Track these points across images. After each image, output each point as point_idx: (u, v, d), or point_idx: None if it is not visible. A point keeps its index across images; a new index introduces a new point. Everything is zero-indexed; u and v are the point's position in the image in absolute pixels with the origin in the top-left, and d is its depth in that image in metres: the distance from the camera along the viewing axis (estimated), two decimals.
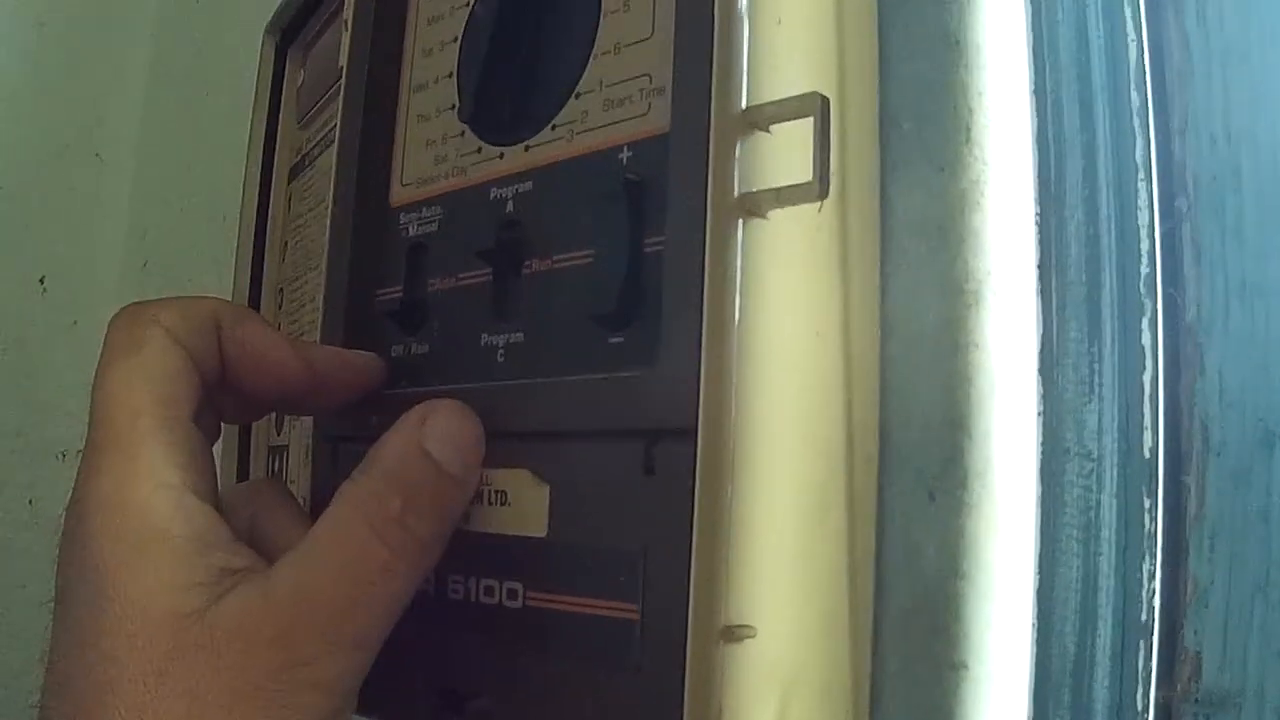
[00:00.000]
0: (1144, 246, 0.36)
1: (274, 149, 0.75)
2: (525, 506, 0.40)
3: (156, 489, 0.38)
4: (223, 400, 0.44)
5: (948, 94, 0.35)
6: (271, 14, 0.76)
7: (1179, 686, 0.36)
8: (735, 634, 0.33)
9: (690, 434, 0.34)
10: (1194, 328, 0.38)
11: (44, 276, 1.12)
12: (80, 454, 0.40)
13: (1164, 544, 0.36)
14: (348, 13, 0.55)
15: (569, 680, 0.38)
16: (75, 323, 1.11)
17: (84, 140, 1.16)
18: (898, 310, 0.35)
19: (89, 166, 1.16)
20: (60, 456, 1.04)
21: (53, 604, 0.39)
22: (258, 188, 0.75)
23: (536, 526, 0.40)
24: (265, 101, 0.76)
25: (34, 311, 1.11)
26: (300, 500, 0.51)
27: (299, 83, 0.74)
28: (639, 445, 0.36)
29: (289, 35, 0.75)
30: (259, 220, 0.75)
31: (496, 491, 0.41)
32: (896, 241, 0.36)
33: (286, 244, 0.72)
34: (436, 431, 0.40)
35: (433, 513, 0.40)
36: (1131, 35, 0.38)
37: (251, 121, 0.77)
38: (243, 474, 0.71)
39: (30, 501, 1.05)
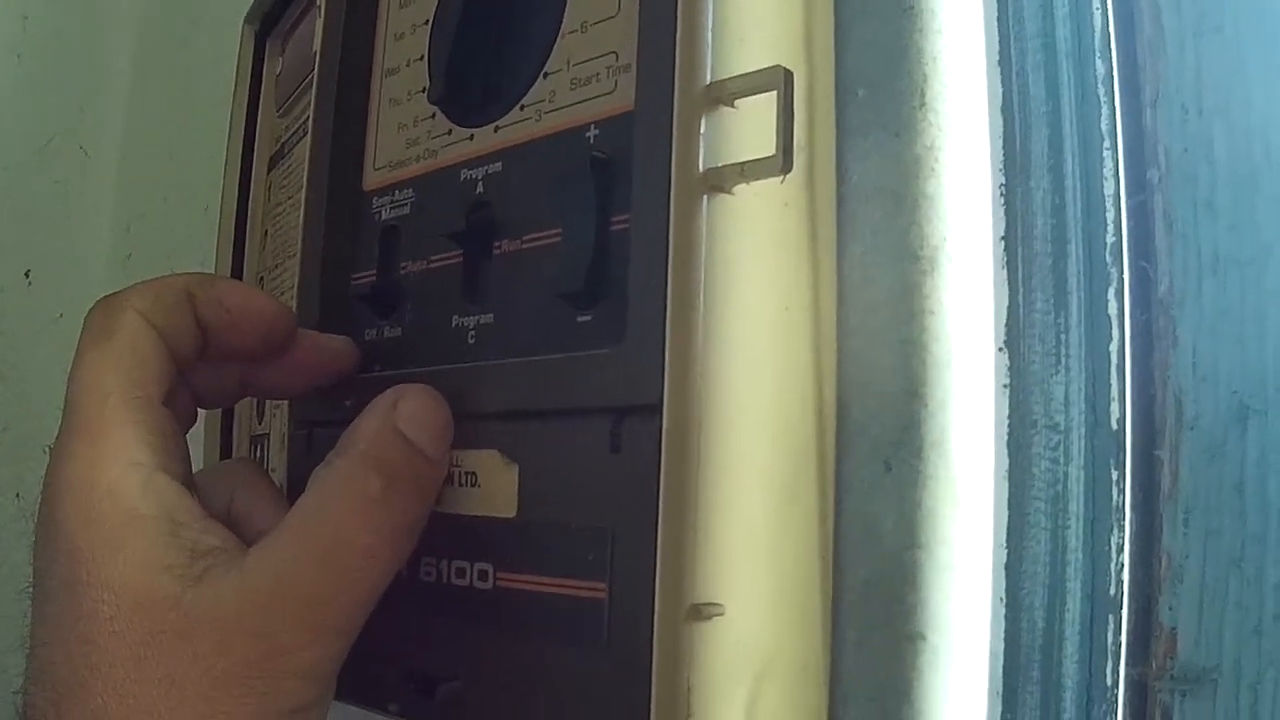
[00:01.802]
0: (1110, 216, 0.36)
1: (254, 138, 0.75)
2: (495, 487, 0.40)
3: (125, 468, 0.38)
4: (201, 379, 0.44)
5: (902, 59, 0.35)
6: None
7: (1155, 664, 0.36)
8: (703, 612, 0.32)
9: (656, 410, 0.34)
10: (1166, 301, 0.37)
11: (29, 270, 1.12)
12: None
13: (1138, 519, 0.36)
14: None
15: (540, 660, 0.38)
16: (61, 316, 1.11)
17: (68, 134, 1.16)
18: (853, 277, 0.35)
19: (73, 160, 1.16)
20: (46, 449, 1.03)
21: (31, 590, 0.39)
22: (238, 177, 0.75)
23: (506, 507, 0.40)
24: (245, 91, 0.76)
25: (19, 305, 1.12)
26: (280, 486, 0.51)
27: (278, 71, 0.74)
28: (606, 423, 0.36)
29: (268, 24, 0.75)
30: (239, 209, 0.75)
31: (466, 473, 0.41)
32: (852, 208, 0.36)
33: (267, 232, 0.72)
34: (409, 414, 0.40)
35: (412, 493, 0.40)
36: (1097, 3, 0.38)
37: (231, 111, 0.77)
38: None
39: (18, 495, 1.05)
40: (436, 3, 0.48)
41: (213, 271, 0.76)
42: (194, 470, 0.42)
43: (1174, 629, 0.36)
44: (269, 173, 0.73)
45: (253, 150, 0.75)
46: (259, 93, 0.76)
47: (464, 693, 0.41)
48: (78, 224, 1.16)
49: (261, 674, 0.37)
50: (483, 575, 0.40)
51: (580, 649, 0.36)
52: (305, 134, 0.60)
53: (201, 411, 0.47)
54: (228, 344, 0.43)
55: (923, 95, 0.34)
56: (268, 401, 0.65)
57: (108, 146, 1.18)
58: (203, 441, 0.72)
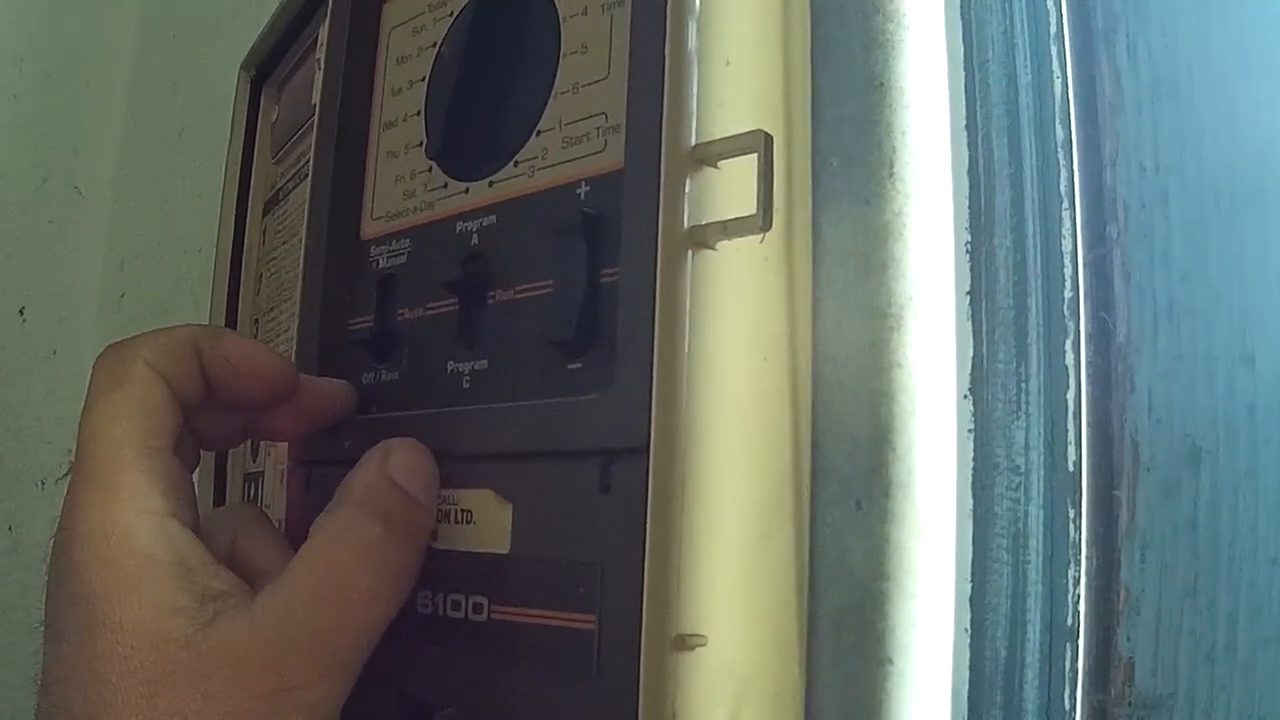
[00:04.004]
0: (1068, 273, 0.38)
1: (249, 183, 0.76)
2: (489, 524, 0.42)
3: (139, 515, 0.40)
4: (205, 424, 0.46)
5: (872, 132, 0.37)
6: (247, 50, 0.77)
7: (1114, 691, 0.38)
8: (687, 642, 0.34)
9: (643, 453, 0.36)
10: (1124, 349, 0.39)
11: (23, 308, 1.13)
12: (60, 481, 0.42)
13: (1098, 555, 0.38)
14: (321, 52, 0.56)
15: (532, 689, 0.40)
16: (54, 353, 1.12)
17: (62, 174, 1.17)
18: (827, 333, 0.37)
19: (67, 199, 1.17)
20: (40, 484, 1.05)
21: (41, 627, 0.41)
22: (233, 221, 0.77)
23: (500, 543, 0.41)
24: (240, 136, 0.77)
25: (13, 342, 1.13)
26: (276, 524, 0.52)
27: (273, 118, 0.75)
28: (595, 465, 0.38)
29: (264, 71, 0.77)
30: (234, 252, 0.76)
31: (462, 511, 0.43)
32: (826, 268, 0.38)
33: (261, 276, 0.73)
34: (400, 465, 0.42)
35: (409, 537, 0.41)
36: (1057, 72, 0.40)
37: (227, 156, 0.78)
38: (219, 501, 0.73)
39: (10, 529, 1.06)
40: (433, 61, 0.50)
41: (207, 313, 0.78)
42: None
43: (1131, 658, 0.38)
44: (264, 217, 0.74)
45: (247, 194, 0.77)
46: (254, 138, 0.77)
47: None
48: (72, 263, 1.17)
49: (270, 710, 0.38)
50: (478, 608, 0.42)
51: (571, 678, 0.38)
52: (301, 180, 0.62)
53: None
54: (232, 394, 0.45)
55: (891, 166, 0.37)
56: (262, 441, 0.67)
57: (102, 187, 1.19)
58: (197, 477, 0.73)
